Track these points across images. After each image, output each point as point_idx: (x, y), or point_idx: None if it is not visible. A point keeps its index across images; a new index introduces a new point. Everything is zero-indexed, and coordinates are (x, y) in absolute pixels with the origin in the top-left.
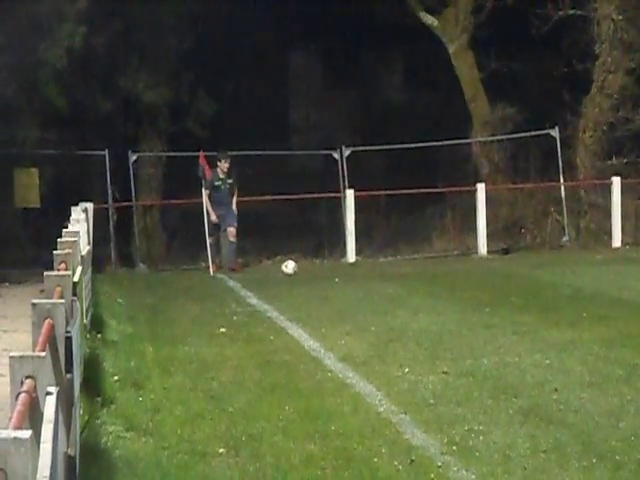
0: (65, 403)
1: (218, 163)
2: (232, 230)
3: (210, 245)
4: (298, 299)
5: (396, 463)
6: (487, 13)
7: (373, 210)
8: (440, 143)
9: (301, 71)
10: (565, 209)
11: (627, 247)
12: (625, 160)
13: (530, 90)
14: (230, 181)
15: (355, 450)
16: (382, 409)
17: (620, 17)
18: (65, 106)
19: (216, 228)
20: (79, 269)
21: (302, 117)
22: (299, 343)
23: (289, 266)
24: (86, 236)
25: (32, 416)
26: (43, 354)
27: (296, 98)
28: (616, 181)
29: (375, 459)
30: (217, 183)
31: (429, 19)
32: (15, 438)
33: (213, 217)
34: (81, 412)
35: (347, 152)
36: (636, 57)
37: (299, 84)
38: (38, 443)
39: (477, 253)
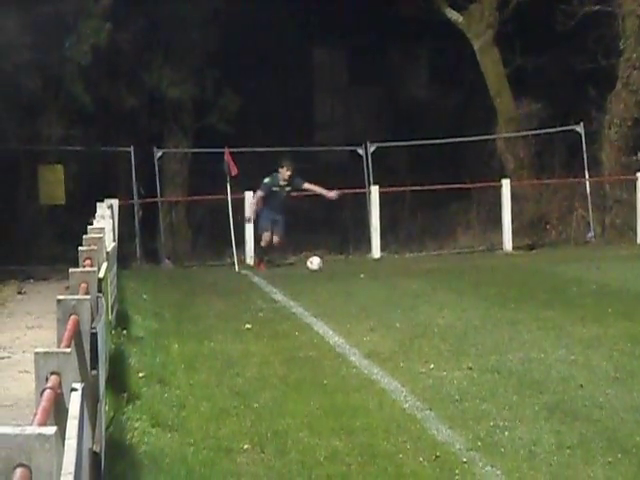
0: (90, 399)
1: (280, 169)
2: (277, 240)
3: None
4: (323, 295)
5: (421, 459)
6: (512, 9)
7: (398, 206)
8: (465, 139)
9: (326, 67)
10: (590, 205)
11: None
12: None
13: (555, 86)
14: (289, 189)
15: (380, 446)
16: (407, 405)
17: None
18: (90, 103)
19: (266, 224)
20: (104, 265)
21: (327, 113)
22: (324, 339)
23: (314, 262)
24: (111, 232)
25: (57, 412)
26: (68, 350)
27: (321, 94)
28: None
29: (400, 455)
30: (275, 189)
31: (454, 15)
32: (40, 434)
33: (250, 213)
34: (106, 408)
35: (372, 148)
36: None
37: (324, 80)
38: (63, 439)
39: (502, 249)
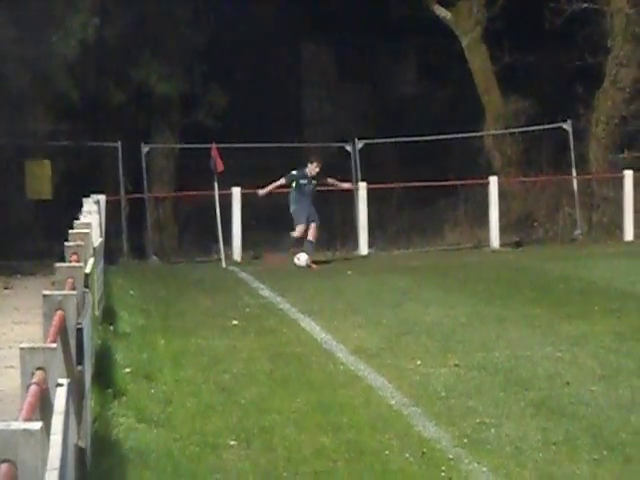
0: (76, 395)
1: (309, 164)
2: (313, 233)
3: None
4: (310, 291)
5: (407, 456)
6: (500, 6)
7: (386, 203)
8: (453, 136)
9: (314, 63)
10: (577, 202)
11: (639, 240)
12: (637, 153)
13: (543, 83)
14: (315, 182)
15: (366, 442)
16: (394, 402)
17: (633, 11)
18: (78, 98)
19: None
20: (91, 261)
21: (315, 109)
22: (311, 335)
23: (301, 258)
24: (98, 228)
25: (42, 408)
26: (54, 346)
27: (309, 90)
28: (628, 174)
29: (386, 452)
30: (303, 181)
31: (442, 12)
32: (25, 430)
33: (262, 191)
34: (92, 404)
35: (360, 145)
36: None
37: (312, 76)
38: (48, 435)
39: (489, 246)
